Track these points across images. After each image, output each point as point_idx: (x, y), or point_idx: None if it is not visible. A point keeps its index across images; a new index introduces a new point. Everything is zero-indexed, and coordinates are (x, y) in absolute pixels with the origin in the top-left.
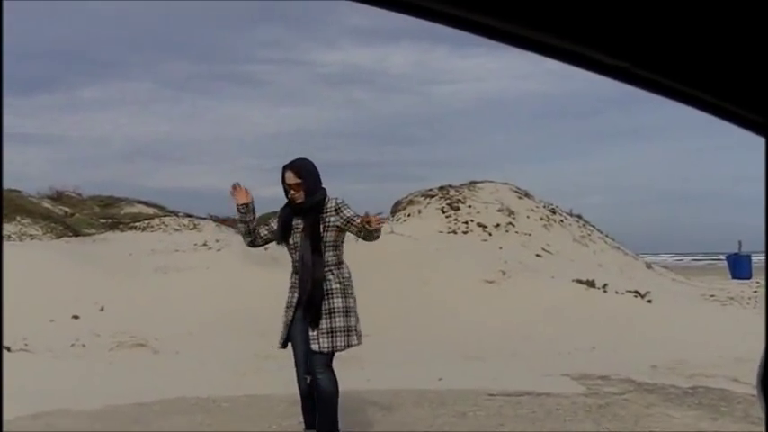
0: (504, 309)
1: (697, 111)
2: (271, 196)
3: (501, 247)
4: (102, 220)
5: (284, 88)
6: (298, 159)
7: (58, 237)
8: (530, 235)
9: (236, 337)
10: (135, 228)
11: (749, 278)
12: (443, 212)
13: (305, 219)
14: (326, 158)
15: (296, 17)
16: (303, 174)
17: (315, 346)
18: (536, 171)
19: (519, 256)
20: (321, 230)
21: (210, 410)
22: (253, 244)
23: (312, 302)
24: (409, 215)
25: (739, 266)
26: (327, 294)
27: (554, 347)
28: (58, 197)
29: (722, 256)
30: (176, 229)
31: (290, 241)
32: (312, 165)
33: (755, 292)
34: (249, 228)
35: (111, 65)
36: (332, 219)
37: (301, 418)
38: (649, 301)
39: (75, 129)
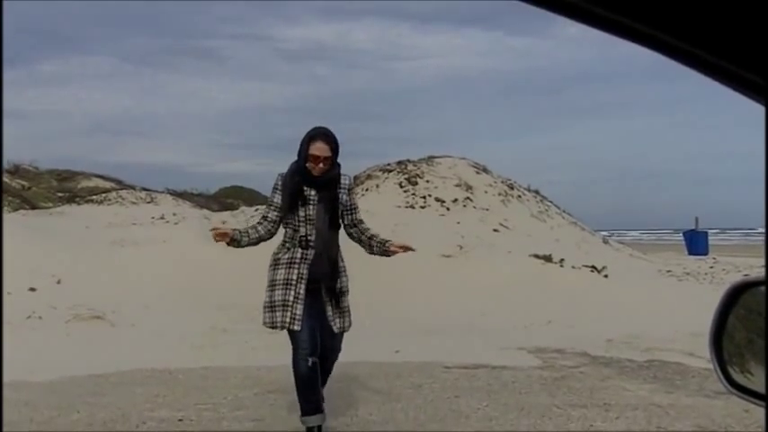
0: (461, 283)
1: (684, 68)
2: (232, 171)
3: (459, 222)
4: (59, 194)
5: (246, 64)
6: (327, 129)
7: (15, 210)
8: (487, 210)
9: (192, 311)
10: (92, 201)
11: (705, 254)
12: (401, 187)
13: (322, 191)
14: (287, 134)
15: None
16: (335, 147)
17: (336, 327)
18: (495, 147)
19: (476, 231)
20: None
21: (167, 382)
22: (271, 235)
23: (334, 281)
24: (367, 189)
25: (696, 243)
26: (340, 272)
27: (510, 321)
28: (15, 171)
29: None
30: (133, 203)
31: (301, 214)
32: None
33: (711, 267)
34: (253, 240)
35: (72, 39)
36: (344, 197)
37: (257, 390)
38: (606, 276)
39: (34, 103)
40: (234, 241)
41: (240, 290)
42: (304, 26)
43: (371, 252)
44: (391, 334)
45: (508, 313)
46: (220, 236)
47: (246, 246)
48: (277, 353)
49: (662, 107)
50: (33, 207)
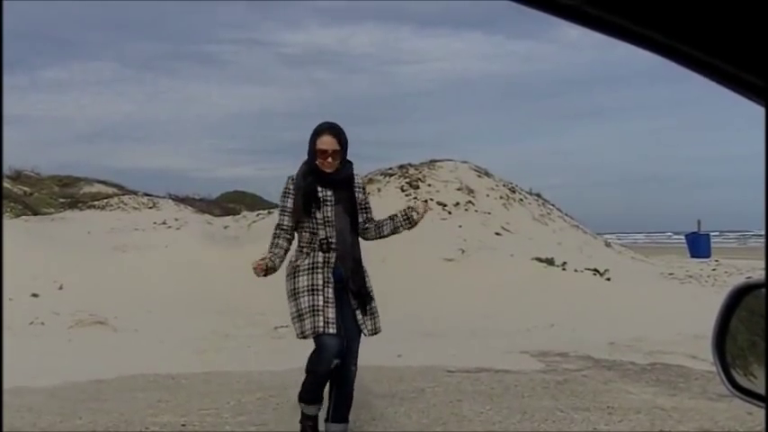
0: (463, 287)
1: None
2: (234, 176)
3: (460, 226)
4: (61, 200)
5: (247, 68)
6: (334, 123)
7: (17, 216)
8: (489, 213)
9: (195, 315)
10: (94, 207)
11: (708, 257)
12: (403, 191)
13: (338, 191)
14: (289, 138)
15: None
16: (343, 140)
17: (368, 329)
18: (497, 151)
19: (478, 235)
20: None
21: (169, 387)
22: (291, 243)
23: (361, 284)
24: (369, 193)
25: (698, 245)
26: (365, 273)
27: (513, 325)
28: (17, 177)
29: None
30: (135, 208)
31: (318, 216)
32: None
33: (714, 270)
34: (282, 256)
35: (73, 44)
36: (360, 195)
37: (260, 394)
38: (608, 279)
39: (36, 108)
40: (270, 269)
41: (242, 294)
42: (305, 31)
43: (394, 229)
44: (394, 338)
45: (511, 317)
46: (261, 269)
47: (281, 265)
48: (279, 357)
49: (662, 110)
50: (35, 213)
